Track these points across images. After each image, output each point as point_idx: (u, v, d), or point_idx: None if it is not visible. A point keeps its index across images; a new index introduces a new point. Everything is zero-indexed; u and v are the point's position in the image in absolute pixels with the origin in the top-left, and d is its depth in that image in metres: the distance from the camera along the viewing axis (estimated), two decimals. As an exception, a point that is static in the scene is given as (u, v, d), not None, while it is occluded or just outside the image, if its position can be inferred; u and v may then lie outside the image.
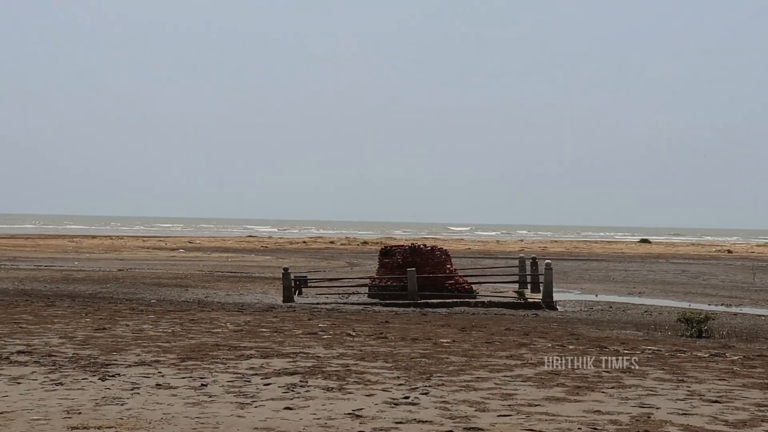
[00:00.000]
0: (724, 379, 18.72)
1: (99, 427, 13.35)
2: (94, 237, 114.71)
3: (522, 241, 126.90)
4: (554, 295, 37.49)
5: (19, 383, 16.87)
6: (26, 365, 18.86)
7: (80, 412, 14.39)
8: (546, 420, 14.34)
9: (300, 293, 37.65)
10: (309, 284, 39.21)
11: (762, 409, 15.67)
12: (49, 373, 17.94)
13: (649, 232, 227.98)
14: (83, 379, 17.36)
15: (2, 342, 22.17)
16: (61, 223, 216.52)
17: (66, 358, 19.87)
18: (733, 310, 36.77)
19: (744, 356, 22.36)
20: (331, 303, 35.83)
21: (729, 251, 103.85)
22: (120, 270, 54.21)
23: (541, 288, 36.93)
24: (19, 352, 20.53)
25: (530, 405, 15.53)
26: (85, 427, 13.34)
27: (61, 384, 16.77)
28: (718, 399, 16.51)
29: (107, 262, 62.21)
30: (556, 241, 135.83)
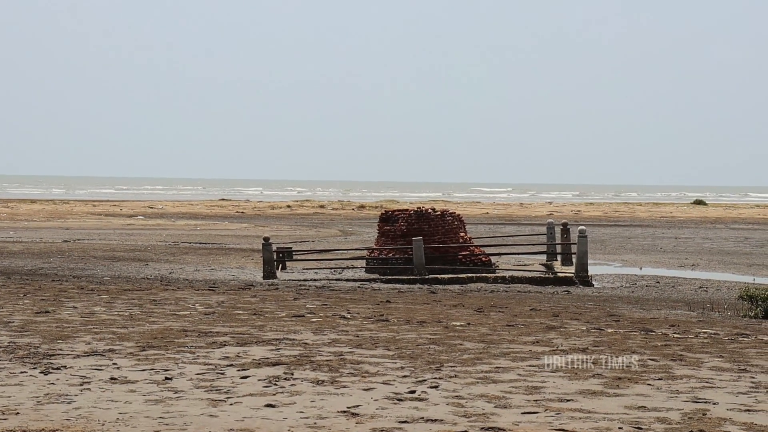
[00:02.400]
0: (796, 369, 18.65)
1: (41, 430, 13.26)
2: (33, 201, 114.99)
3: (551, 204, 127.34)
4: (590, 268, 37.53)
5: (-57, 378, 16.81)
6: (-49, 356, 18.82)
7: (18, 413, 14.32)
8: (580, 418, 14.26)
9: (284, 268, 37.78)
10: (295, 257, 39.34)
11: (842, 406, 15.59)
12: (-20, 365, 17.88)
13: (705, 191, 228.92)
14: (21, 372, 17.33)
15: None
16: None
17: (1, 347, 19.87)
18: (805, 285, 36.74)
19: (817, 341, 22.29)
20: (321, 279, 35.88)
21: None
22: (66, 241, 54.38)
23: (574, 260, 37.06)
24: (-55, 341, 20.49)
25: (561, 400, 15.47)
26: (24, 430, 13.24)
27: (-7, 380, 16.69)
28: (788, 393, 16.43)
29: (50, 231, 62.39)
30: (591, 204, 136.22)
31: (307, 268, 38.88)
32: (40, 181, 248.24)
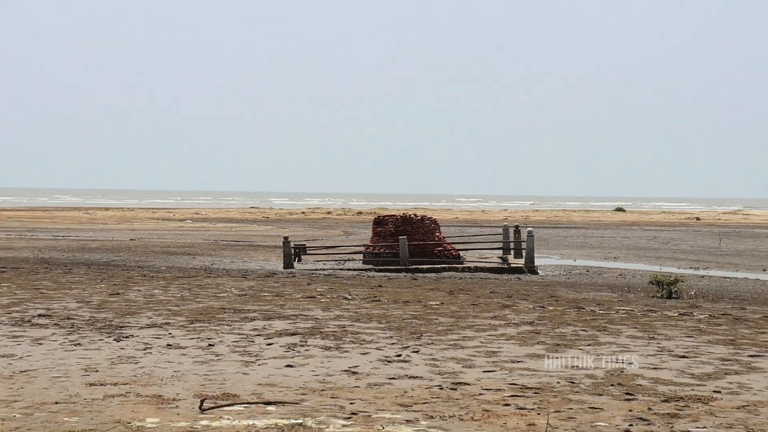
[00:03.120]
0: (691, 336, 19.12)
1: (115, 384, 13.63)
2: (107, 209, 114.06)
3: (506, 210, 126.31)
4: (535, 260, 37.78)
5: (40, 344, 17.21)
6: (47, 327, 19.14)
7: (97, 370, 14.71)
8: (527, 375, 14.73)
9: (299, 260, 37.83)
10: (308, 252, 39.39)
11: (725, 363, 16.10)
12: (68, 334, 18.26)
13: (625, 200, 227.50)
14: (99, 340, 17.70)
15: (24, 306, 22.42)
16: (84, 196, 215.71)
17: (83, 320, 20.13)
18: (701, 272, 37.08)
19: (710, 315, 22.69)
20: (328, 269, 36.02)
21: (697, 218, 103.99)
22: (132, 239, 54.07)
23: (524, 254, 37.24)
24: (39, 315, 20.78)
25: (513, 362, 15.93)
26: (102, 384, 13.61)
27: (79, 344, 17.12)
28: (685, 354, 16.93)
29: (120, 232, 62.03)
30: (537, 210, 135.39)
31: (317, 261, 38.81)
32: (116, 194, 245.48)
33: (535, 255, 38.26)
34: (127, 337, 18.09)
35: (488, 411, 12.20)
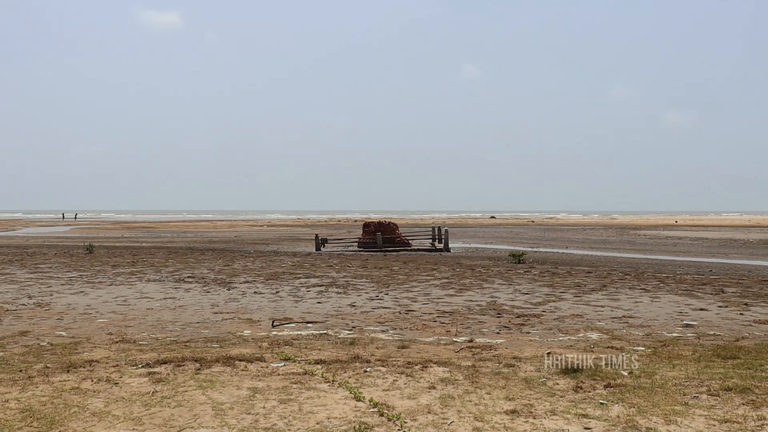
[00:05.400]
0: (531, 283, 19.17)
1: (227, 312, 13.68)
2: (221, 221, 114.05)
3: (433, 219, 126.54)
4: (449, 244, 37.85)
5: (188, 291, 17.17)
6: (191, 283, 19.11)
7: (218, 305, 14.72)
8: (445, 305, 14.77)
9: (324, 246, 37.82)
10: (328, 242, 39.39)
11: (548, 296, 16.17)
12: (203, 287, 18.21)
13: (495, 211, 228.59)
14: (219, 289, 17.64)
15: (180, 271, 22.35)
16: (202, 213, 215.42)
17: (210, 279, 20.07)
18: (535, 249, 37.18)
19: (540, 271, 22.77)
20: (339, 251, 36.01)
21: (533, 221, 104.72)
22: (235, 236, 54.03)
23: (443, 241, 37.29)
24: (188, 277, 20.74)
25: (438, 298, 15.95)
26: (220, 313, 13.65)
27: (208, 292, 17.06)
28: (528, 292, 16.98)
29: (228, 233, 61.98)
30: (449, 218, 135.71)
31: (333, 246, 39.02)
32: (221, 212, 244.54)
33: (450, 242, 38.42)
34: (233, 288, 18.05)
35: (425, 324, 12.22)
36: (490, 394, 7.12)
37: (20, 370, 8.24)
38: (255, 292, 17.05)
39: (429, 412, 6.47)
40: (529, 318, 12.95)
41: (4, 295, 16.33)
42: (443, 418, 6.28)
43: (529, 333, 11.30)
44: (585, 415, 6.38)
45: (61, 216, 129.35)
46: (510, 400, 6.89)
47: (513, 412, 6.47)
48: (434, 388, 7.36)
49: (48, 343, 10.26)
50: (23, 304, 14.75)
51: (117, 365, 8.50)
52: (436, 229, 41.71)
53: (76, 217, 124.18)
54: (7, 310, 13.87)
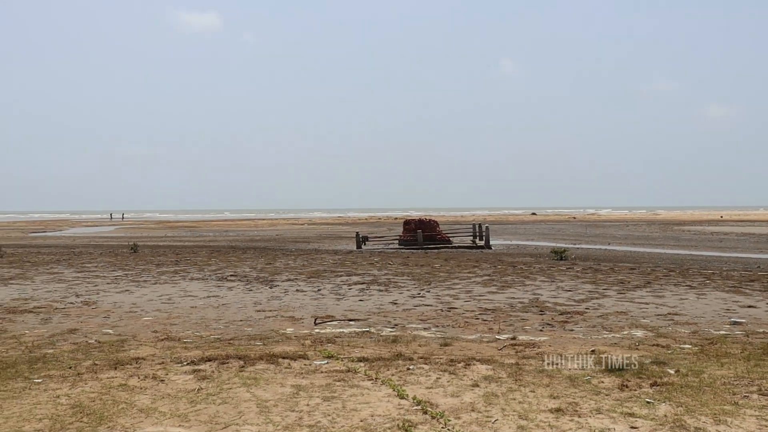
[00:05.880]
0: (573, 280, 19.00)
1: (270, 310, 13.77)
2: (262, 219, 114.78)
3: (473, 216, 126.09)
4: (490, 241, 37.66)
5: (231, 290, 17.32)
6: (234, 281, 19.25)
7: (260, 303, 14.83)
8: (487, 302, 14.71)
9: (364, 244, 37.91)
10: (369, 239, 39.45)
11: (592, 294, 15.99)
12: (245, 285, 18.35)
13: (537, 208, 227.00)
14: (261, 287, 17.76)
15: (222, 270, 22.55)
16: (243, 212, 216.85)
17: (252, 277, 20.21)
18: (577, 246, 36.74)
19: (582, 268, 22.56)
20: (379, 249, 36.04)
21: (574, 217, 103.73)
22: (276, 234, 54.34)
23: (484, 238, 37.12)
24: (230, 275, 20.91)
25: (480, 295, 15.88)
26: (263, 311, 13.74)
27: (251, 290, 17.18)
28: (570, 289, 16.84)
29: (269, 231, 62.38)
30: (489, 215, 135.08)
31: (374, 244, 39.09)
32: (260, 210, 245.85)
33: (491, 239, 38.24)
34: (275, 286, 18.16)
35: (468, 322, 12.18)
36: (534, 392, 7.07)
37: (70, 367, 8.40)
38: (297, 290, 17.12)
39: (473, 410, 6.44)
40: (572, 315, 12.83)
41: (53, 294, 16.65)
42: (487, 416, 6.26)
43: (572, 330, 11.19)
44: (631, 414, 6.30)
45: (109, 216, 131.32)
46: (554, 398, 6.83)
47: (558, 410, 6.42)
48: (478, 386, 7.33)
49: (95, 340, 10.43)
50: (71, 303, 15.02)
51: (163, 363, 8.61)
52: (477, 226, 41.58)
53: (123, 217, 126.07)
54: (56, 309, 14.14)
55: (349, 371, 8.02)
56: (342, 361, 8.58)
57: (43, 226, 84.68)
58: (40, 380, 7.78)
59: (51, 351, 9.54)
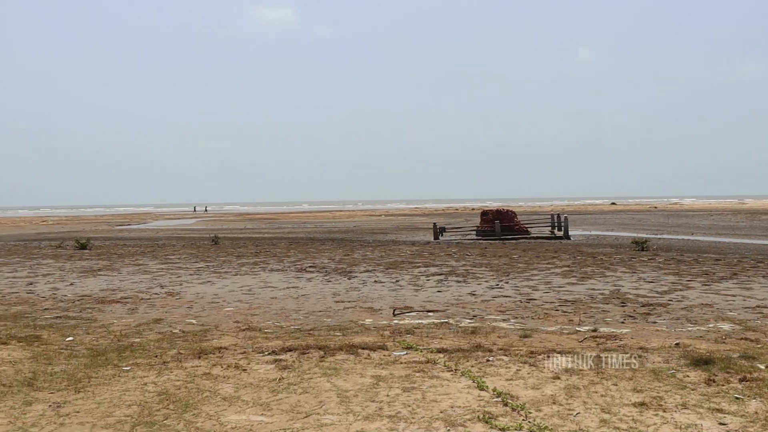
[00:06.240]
0: (655, 271, 18.55)
1: (348, 301, 13.87)
2: (340, 211, 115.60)
3: (552, 206, 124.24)
4: (569, 232, 37.07)
5: (309, 281, 17.49)
6: (313, 272, 19.44)
7: (339, 294, 14.93)
8: (567, 294, 14.50)
9: (442, 235, 37.76)
10: (446, 230, 39.30)
11: (675, 285, 15.58)
12: (324, 276, 18.51)
13: (616, 198, 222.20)
14: (340, 278, 17.89)
15: (301, 261, 22.77)
16: (321, 204, 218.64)
17: (331, 269, 20.36)
18: (658, 236, 35.79)
19: (665, 259, 21.99)
20: (457, 240, 35.89)
21: (656, 207, 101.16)
22: (354, 226, 54.60)
23: (563, 228, 36.60)
24: (309, 266, 21.11)
25: (559, 286, 15.67)
26: (342, 301, 13.84)
27: (330, 281, 17.33)
28: (653, 280, 16.46)
29: (347, 223, 62.75)
30: (568, 205, 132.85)
31: (451, 235, 38.92)
32: (345, 203, 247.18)
33: (570, 229, 37.65)
34: (353, 277, 18.26)
35: (547, 313, 12.04)
36: (616, 385, 6.95)
37: (156, 356, 8.65)
38: (375, 281, 17.19)
39: (554, 403, 6.37)
40: (654, 307, 12.55)
41: (138, 285, 17.15)
42: (569, 409, 6.18)
43: (655, 323, 10.95)
44: (719, 410, 6.13)
45: (192, 209, 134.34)
46: (638, 392, 6.70)
47: (641, 404, 6.29)
48: (558, 378, 7.25)
49: (180, 330, 10.71)
50: (156, 293, 15.45)
51: (245, 352, 8.78)
52: (555, 216, 41.04)
53: (206, 210, 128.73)
54: (142, 299, 14.56)
55: (428, 362, 8.03)
56: (421, 352, 8.60)
57: (128, 219, 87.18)
58: (128, 368, 8.04)
59: (138, 340, 9.84)
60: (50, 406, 6.56)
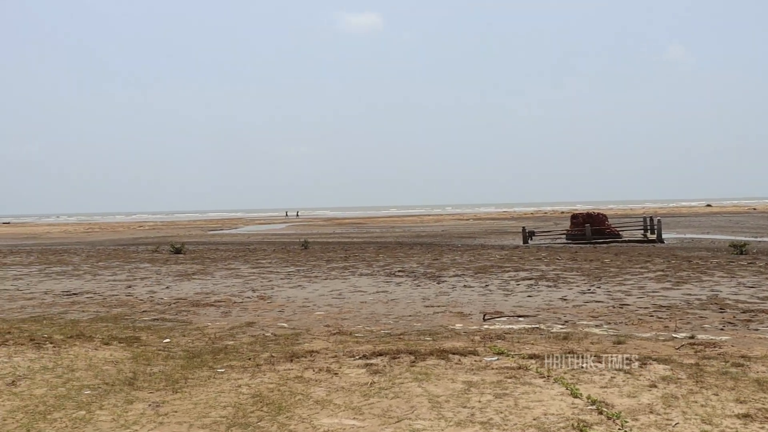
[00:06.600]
0: (756, 276, 17.85)
1: (439, 305, 13.85)
2: (428, 215, 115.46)
3: (643, 208, 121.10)
4: (663, 235, 36.06)
5: (399, 285, 17.50)
6: (402, 277, 19.48)
7: (428, 299, 14.93)
8: (662, 299, 14.13)
9: (531, 239, 37.38)
10: (535, 234, 38.91)
11: (778, 291, 15.02)
12: (413, 280, 18.52)
13: (712, 199, 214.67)
14: (429, 283, 17.87)
15: (390, 266, 22.86)
16: (406, 209, 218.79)
17: (420, 273, 20.36)
18: (758, 239, 34.50)
19: (766, 263, 21.18)
20: (546, 243, 35.42)
21: (754, 209, 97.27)
22: (442, 230, 54.50)
23: (656, 231, 35.68)
24: (398, 271, 21.17)
25: (654, 292, 15.28)
26: (431, 306, 13.83)
27: (419, 286, 17.34)
28: (753, 286, 15.87)
29: (436, 227, 62.69)
30: (660, 208, 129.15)
31: (541, 239, 38.48)
32: (432, 207, 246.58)
33: (663, 232, 36.63)
34: (442, 281, 18.23)
35: (641, 319, 11.76)
36: (717, 395, 6.70)
37: (249, 359, 8.81)
38: (464, 286, 17.11)
39: (651, 412, 6.19)
40: (756, 314, 12.07)
41: (231, 289, 17.53)
42: (667, 419, 5.98)
43: (757, 330, 10.53)
44: (830, 422, 5.83)
45: (285, 214, 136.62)
46: (741, 402, 6.44)
47: (745, 416, 6.03)
48: (655, 386, 7.04)
49: (272, 333, 10.88)
50: (248, 297, 15.75)
51: (336, 356, 8.85)
52: (648, 219, 40.05)
53: (297, 215, 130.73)
54: (235, 302, 14.88)
55: (520, 368, 7.92)
56: (512, 357, 8.50)
57: (220, 224, 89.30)
58: (222, 370, 8.21)
59: (231, 343, 10.05)
60: (150, 405, 6.77)
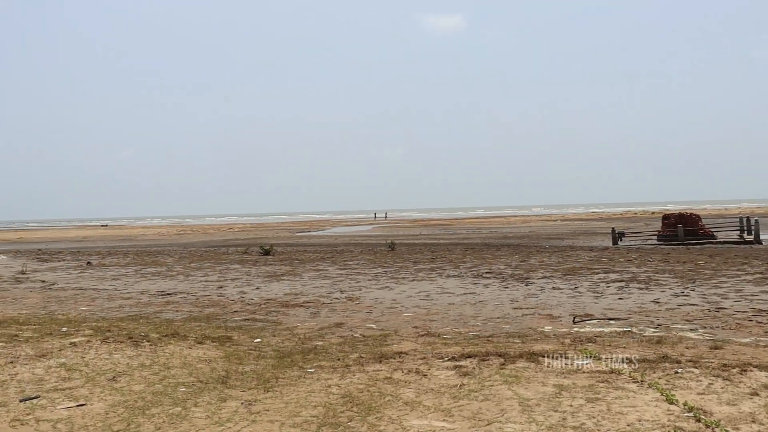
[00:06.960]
0: None
1: (527, 307, 13.71)
2: (515, 216, 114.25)
3: (739, 208, 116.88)
4: (761, 236, 34.73)
5: (486, 287, 17.43)
6: (489, 278, 19.38)
7: (517, 300, 14.81)
8: (762, 303, 13.64)
9: (621, 240, 36.59)
10: (625, 235, 38.09)
11: None
12: (501, 282, 18.39)
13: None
14: (517, 285, 17.73)
15: (478, 267, 22.77)
16: (492, 209, 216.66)
17: (508, 275, 20.21)
18: None
19: None
20: (637, 245, 34.60)
21: None
22: (529, 231, 53.86)
23: (753, 232, 34.43)
24: (486, 272, 21.06)
25: (752, 295, 14.75)
26: (519, 308, 13.72)
27: (507, 287, 17.20)
28: None
29: (523, 228, 61.96)
30: (758, 207, 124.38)
31: (631, 240, 37.60)
32: (519, 208, 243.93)
33: (761, 233, 35.34)
34: (531, 283, 18.05)
35: (740, 323, 11.36)
36: (824, 403, 6.40)
37: (338, 359, 8.90)
38: (553, 288, 16.89)
39: (753, 421, 5.95)
40: None
41: (319, 290, 17.75)
42: (770, 428, 5.75)
43: None
44: None
45: (373, 215, 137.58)
46: None
47: None
48: (757, 394, 6.77)
49: (360, 334, 10.97)
50: (336, 298, 15.92)
51: (424, 358, 8.84)
52: (744, 219, 38.69)
53: (386, 216, 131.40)
54: (323, 303, 15.06)
55: (612, 372, 7.75)
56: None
57: (308, 225, 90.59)
58: (312, 370, 8.31)
59: (320, 343, 10.17)
60: (242, 403, 6.91)
